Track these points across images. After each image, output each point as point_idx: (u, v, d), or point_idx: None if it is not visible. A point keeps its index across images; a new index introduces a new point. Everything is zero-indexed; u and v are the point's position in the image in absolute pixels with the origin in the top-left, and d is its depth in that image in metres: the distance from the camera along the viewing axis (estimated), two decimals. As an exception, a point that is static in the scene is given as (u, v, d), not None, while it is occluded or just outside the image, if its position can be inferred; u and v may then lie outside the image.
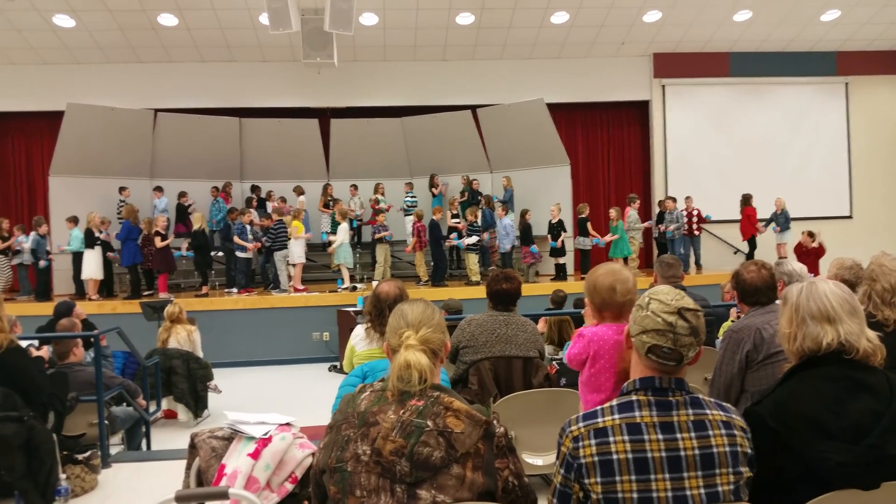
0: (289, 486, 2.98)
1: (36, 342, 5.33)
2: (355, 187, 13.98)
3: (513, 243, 12.52)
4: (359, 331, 3.56)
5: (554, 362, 5.54)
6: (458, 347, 4.06)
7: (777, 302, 3.23)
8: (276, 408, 3.52)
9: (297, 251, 11.72)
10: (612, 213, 12.93)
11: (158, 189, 13.19)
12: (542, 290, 10.74)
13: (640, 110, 15.54)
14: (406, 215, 13.34)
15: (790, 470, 1.87)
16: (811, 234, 12.55)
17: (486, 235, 12.43)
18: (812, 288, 2.04)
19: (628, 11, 13.16)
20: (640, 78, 15.07)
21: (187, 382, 7.30)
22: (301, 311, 11.08)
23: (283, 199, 13.28)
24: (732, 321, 4.81)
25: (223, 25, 12.74)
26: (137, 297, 11.20)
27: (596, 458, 1.75)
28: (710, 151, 15.10)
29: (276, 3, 10.14)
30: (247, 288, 11.88)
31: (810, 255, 12.30)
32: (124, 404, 5.89)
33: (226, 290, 12.16)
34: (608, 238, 12.81)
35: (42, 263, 11.54)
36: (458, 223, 12.72)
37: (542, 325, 6.60)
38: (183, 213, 13.00)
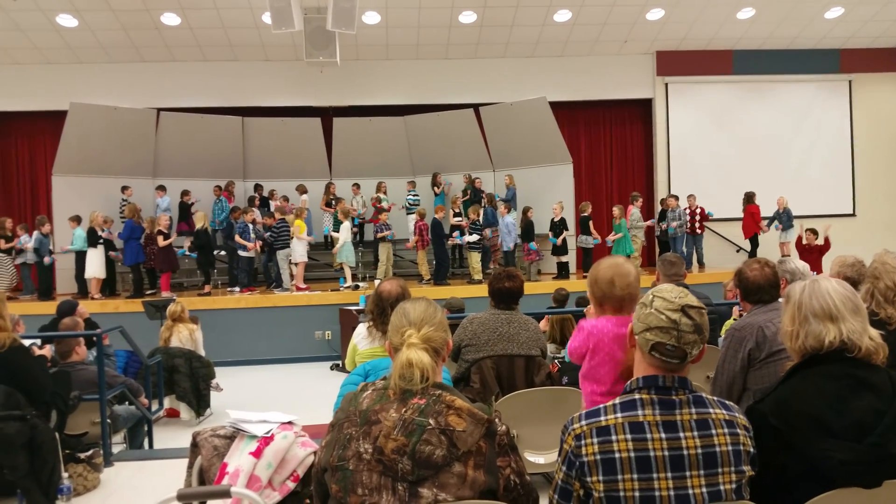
0: (291, 485, 2.99)
1: (38, 341, 5.34)
2: (358, 186, 13.98)
3: (515, 241, 12.51)
4: (361, 329, 3.56)
5: (556, 361, 5.53)
6: (461, 346, 4.06)
7: (780, 300, 3.22)
8: (278, 406, 3.52)
9: (299, 250, 11.73)
10: (615, 211, 12.92)
11: (161, 188, 13.21)
12: (545, 288, 10.73)
13: (642, 108, 15.52)
14: (408, 214, 13.34)
15: (792, 468, 1.86)
16: (814, 232, 12.53)
17: (487, 232, 12.42)
18: (815, 286, 2.04)
19: (631, 9, 13.14)
20: (642, 76, 15.04)
21: (189, 381, 7.31)
22: (303, 310, 11.09)
23: (286, 198, 13.28)
24: (735, 319, 4.80)
25: (226, 25, 12.74)
26: (140, 296, 11.22)
27: (598, 457, 1.75)
28: (713, 149, 15.07)
29: (279, 3, 10.14)
30: (249, 287, 11.90)
31: (813, 252, 12.28)
32: (126, 403, 5.90)
33: (228, 289, 12.18)
34: (612, 237, 12.80)
35: (47, 260, 11.56)
36: (461, 222, 12.72)
37: (544, 324, 6.59)
38: (186, 211, 13.02)
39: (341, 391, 2.97)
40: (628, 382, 1.89)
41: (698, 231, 13.44)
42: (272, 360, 10.82)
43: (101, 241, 11.47)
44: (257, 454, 2.93)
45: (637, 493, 1.71)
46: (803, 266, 3.75)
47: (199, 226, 11.88)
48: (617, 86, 14.97)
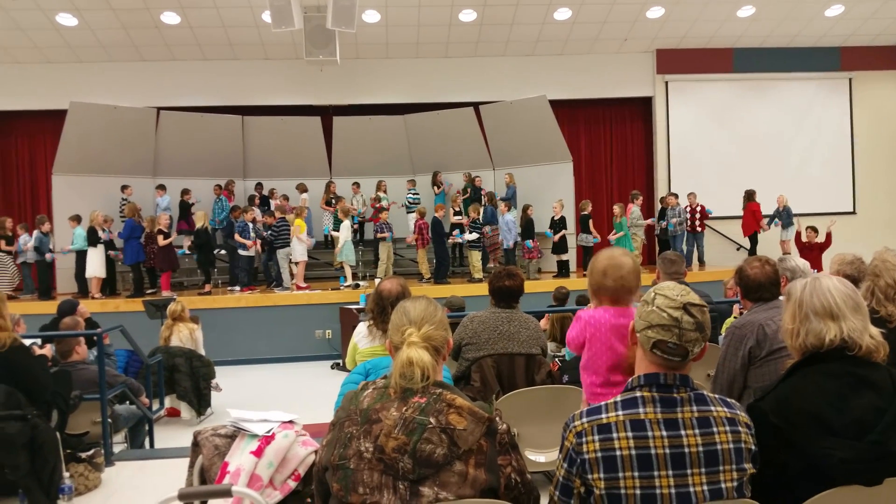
0: (292, 484, 2.99)
1: (39, 341, 5.34)
2: (358, 185, 13.98)
3: (515, 240, 12.51)
4: (361, 328, 3.56)
5: (556, 359, 5.54)
6: (461, 344, 4.07)
7: (780, 298, 3.22)
8: (278, 405, 3.52)
9: (299, 249, 11.73)
10: (616, 209, 12.92)
11: (161, 187, 13.21)
12: (545, 286, 10.74)
13: (643, 106, 15.51)
14: (409, 212, 13.34)
15: (793, 466, 1.86)
16: (815, 229, 12.53)
17: (487, 229, 12.42)
18: (816, 284, 2.04)
19: (631, 7, 13.13)
20: (643, 74, 15.04)
21: (190, 380, 7.31)
22: (303, 309, 11.09)
23: (286, 197, 13.29)
24: (735, 317, 4.80)
25: (226, 23, 12.74)
26: (140, 296, 11.22)
27: (599, 454, 1.75)
28: (713, 147, 15.07)
29: (279, 1, 10.13)
30: (249, 286, 11.90)
31: (813, 249, 12.29)
32: (127, 402, 5.90)
33: (228, 288, 12.18)
34: (612, 236, 12.80)
35: (48, 256, 11.56)
36: (461, 220, 12.72)
37: (544, 323, 6.60)
38: (186, 210, 13.01)
39: (342, 390, 2.96)
40: (630, 380, 1.89)
41: (699, 229, 13.44)
42: (273, 359, 10.83)
43: (102, 240, 11.46)
44: (258, 453, 2.93)
45: (638, 491, 1.71)
46: (803, 264, 3.75)
47: (199, 225, 11.89)
48: (617, 84, 14.96)
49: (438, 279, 11.97)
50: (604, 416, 1.80)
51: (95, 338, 5.47)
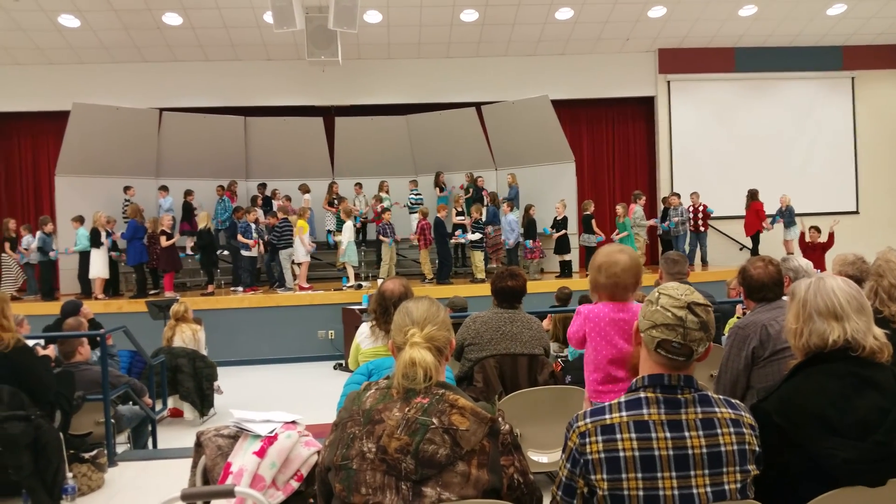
0: (294, 484, 2.98)
1: (42, 341, 5.35)
2: (360, 185, 13.99)
3: (517, 240, 12.51)
4: (364, 329, 3.56)
5: (559, 360, 5.53)
6: (464, 345, 4.07)
7: (784, 298, 3.22)
8: (281, 406, 3.52)
9: (301, 250, 11.73)
10: (619, 209, 12.90)
11: (163, 188, 13.23)
12: (548, 287, 10.73)
13: (645, 106, 15.50)
14: (411, 213, 13.34)
15: (796, 466, 1.86)
16: (818, 229, 12.52)
17: (489, 229, 12.42)
18: (820, 284, 2.03)
19: (633, 7, 13.12)
20: (645, 74, 15.02)
21: (193, 381, 7.31)
22: (306, 310, 11.10)
23: (288, 198, 13.30)
24: (738, 318, 4.80)
25: (227, 24, 12.75)
26: (143, 297, 11.23)
27: (602, 455, 1.75)
28: (716, 147, 15.05)
29: (281, 2, 10.14)
30: (252, 286, 11.91)
31: (816, 249, 12.28)
32: (130, 403, 5.90)
33: (231, 289, 12.19)
34: (615, 237, 12.79)
35: (52, 255, 11.57)
36: (463, 220, 12.73)
37: (547, 323, 6.59)
38: (189, 211, 13.02)
39: (344, 390, 2.96)
40: (634, 381, 1.89)
41: (702, 229, 13.43)
42: (275, 359, 10.83)
43: (103, 242, 11.46)
44: (261, 454, 2.93)
45: (641, 492, 1.71)
46: (806, 264, 3.75)
47: (202, 226, 11.89)
48: (619, 84, 14.95)
49: (441, 280, 11.97)
50: (607, 416, 1.80)
51: (98, 338, 5.47)
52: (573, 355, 5.40)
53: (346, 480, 1.80)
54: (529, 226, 12.64)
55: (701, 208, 13.34)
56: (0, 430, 3.54)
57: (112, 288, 11.86)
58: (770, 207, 13.44)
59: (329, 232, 13.69)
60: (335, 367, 10.32)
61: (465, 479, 1.76)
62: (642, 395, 1.82)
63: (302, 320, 11.01)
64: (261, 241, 12.17)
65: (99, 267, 11.42)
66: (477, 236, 12.18)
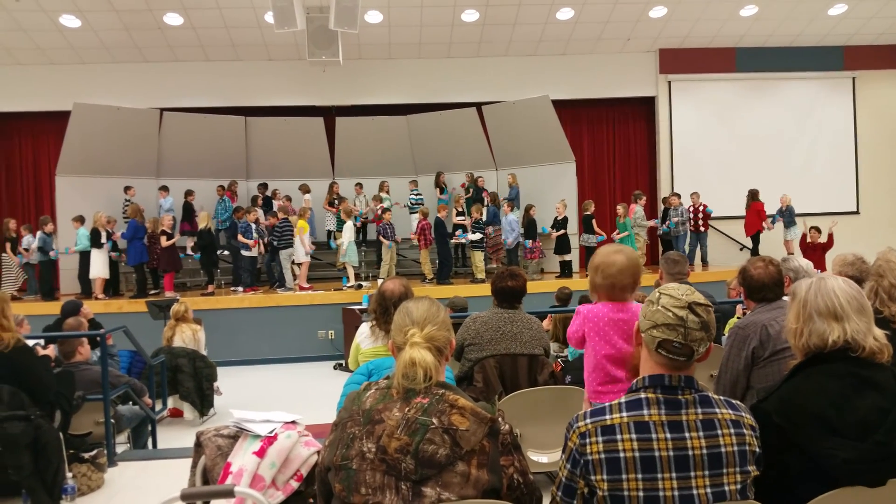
0: (294, 484, 2.98)
1: (42, 341, 5.35)
2: (361, 185, 14.00)
3: (517, 240, 12.51)
4: (364, 329, 3.56)
5: (559, 360, 5.53)
6: (464, 345, 4.06)
7: (784, 298, 3.22)
8: (281, 406, 3.52)
9: (302, 250, 11.73)
10: (619, 209, 12.90)
11: (164, 189, 13.23)
12: (548, 287, 10.73)
13: (645, 106, 15.50)
14: (411, 213, 13.34)
15: (795, 467, 1.86)
16: (818, 230, 12.52)
17: (490, 230, 12.42)
18: (821, 284, 2.03)
19: (634, 7, 13.12)
20: (645, 74, 15.02)
21: (193, 381, 7.31)
22: (306, 310, 11.10)
23: (289, 198, 13.30)
24: (738, 318, 4.80)
25: (228, 24, 12.75)
26: (143, 297, 11.23)
27: (603, 456, 1.75)
28: (716, 147, 15.05)
29: (282, 2, 10.14)
30: (252, 286, 11.91)
31: (816, 250, 12.28)
32: (130, 403, 5.91)
33: (231, 289, 12.19)
34: (616, 237, 12.78)
35: (52, 254, 11.58)
36: (464, 220, 12.73)
37: (547, 323, 6.59)
38: (189, 212, 13.02)
39: (344, 390, 2.96)
40: (634, 381, 1.89)
41: (702, 229, 13.42)
42: (275, 359, 10.83)
43: (103, 242, 11.46)
44: (261, 454, 2.93)
45: (641, 493, 1.71)
46: (807, 264, 3.75)
47: (202, 226, 11.89)
48: (620, 84, 14.95)
49: (441, 280, 11.97)
50: (608, 417, 1.80)
51: (98, 338, 5.47)
52: (573, 355, 5.40)
53: (345, 480, 1.80)
54: (529, 226, 12.64)
55: (701, 208, 13.34)
56: (0, 429, 3.54)
57: (112, 288, 11.86)
58: (770, 207, 13.44)
59: (329, 233, 13.70)
60: (335, 367, 10.32)
61: (465, 479, 1.76)
62: (643, 395, 1.82)
63: (302, 320, 11.01)
64: (261, 241, 12.16)
65: (99, 267, 11.42)
66: (477, 236, 12.18)
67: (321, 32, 10.93)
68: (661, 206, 14.05)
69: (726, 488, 1.73)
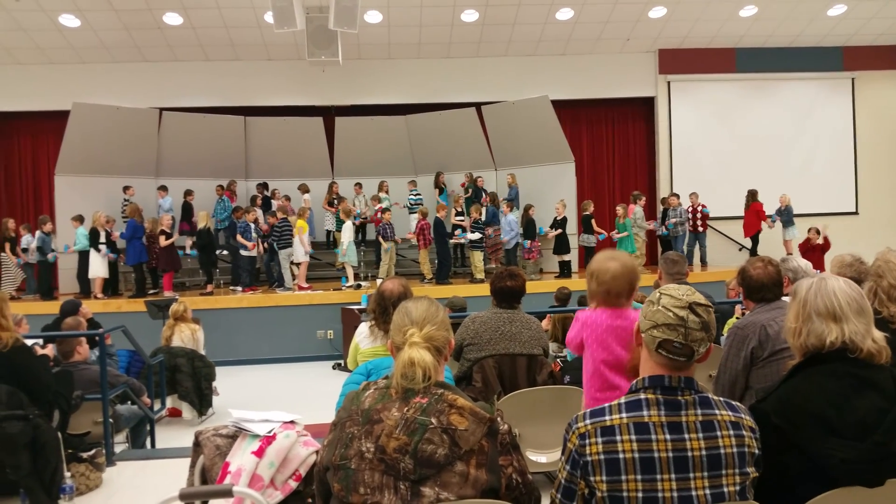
0: (293, 484, 2.98)
1: (40, 341, 5.34)
2: (360, 185, 14.00)
3: (517, 240, 12.51)
4: (363, 328, 3.56)
5: (558, 360, 5.53)
6: (463, 345, 4.06)
7: (783, 298, 3.22)
8: (280, 406, 3.52)
9: (301, 250, 11.73)
10: (619, 210, 12.91)
11: (163, 188, 13.22)
12: (547, 287, 10.73)
13: (645, 106, 15.50)
14: (411, 213, 13.34)
15: (794, 467, 1.86)
16: (817, 231, 12.53)
17: (489, 231, 12.42)
18: (822, 284, 2.03)
19: (633, 7, 13.12)
20: (645, 74, 15.03)
21: (192, 381, 7.31)
22: (305, 310, 11.10)
23: (288, 198, 13.29)
24: (737, 318, 4.80)
25: (228, 24, 12.75)
26: (142, 296, 11.22)
27: (602, 457, 1.75)
28: (716, 147, 15.06)
29: (281, 2, 10.14)
30: (251, 286, 11.90)
31: (815, 251, 12.29)
32: (129, 402, 5.90)
33: (230, 288, 12.19)
34: (616, 236, 12.79)
35: (50, 256, 11.57)
36: (463, 221, 12.73)
37: (546, 323, 6.59)
38: (188, 211, 13.02)
39: (343, 390, 2.96)
40: (634, 382, 1.88)
41: (700, 229, 13.43)
42: (274, 359, 10.83)
43: (102, 242, 11.45)
44: (259, 453, 2.93)
45: (640, 494, 1.70)
46: (806, 264, 3.75)
47: (201, 225, 11.89)
48: (619, 84, 14.95)
49: (440, 280, 11.97)
50: (607, 418, 1.80)
51: (97, 338, 5.47)
52: (572, 356, 5.40)
53: (344, 480, 1.80)
54: (528, 226, 12.64)
55: (700, 208, 13.35)
56: (-1, 429, 3.54)
57: (111, 287, 11.85)
58: (769, 208, 13.45)
59: (328, 232, 13.71)
60: (334, 367, 10.31)
61: (464, 478, 1.76)
62: (642, 396, 1.82)
63: (301, 320, 11.01)
64: (260, 242, 12.16)
65: (98, 266, 11.41)
66: (476, 236, 12.18)
67: (321, 32, 10.92)
68: (661, 207, 14.05)
69: (725, 489, 1.72)
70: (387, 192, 13.65)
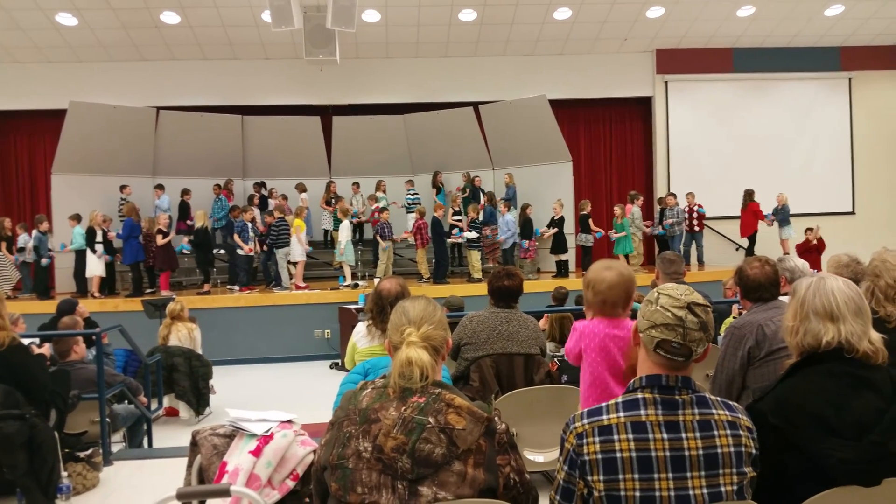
0: (290, 484, 2.98)
1: (37, 340, 5.33)
2: (358, 185, 13.99)
3: (514, 240, 12.52)
4: (360, 328, 3.56)
5: (555, 359, 5.53)
6: (460, 344, 4.06)
7: (780, 298, 3.22)
8: (277, 405, 3.52)
9: (298, 249, 11.72)
10: (617, 210, 12.92)
11: (159, 187, 13.19)
12: (544, 286, 10.73)
13: (642, 106, 15.51)
14: (408, 212, 13.34)
15: (792, 467, 1.86)
16: (810, 231, 12.58)
17: (487, 231, 12.43)
18: (820, 284, 2.03)
19: (631, 7, 13.13)
20: (642, 74, 15.04)
21: (189, 380, 7.30)
22: (303, 309, 11.09)
23: (285, 197, 13.28)
24: (734, 318, 4.80)
25: (225, 23, 12.73)
26: (139, 295, 11.21)
27: (599, 456, 1.75)
28: (713, 147, 15.07)
29: (279, 1, 10.13)
30: (248, 285, 11.89)
31: (812, 251, 12.31)
32: (126, 402, 5.90)
33: (228, 287, 12.18)
34: (615, 236, 12.80)
35: (44, 261, 11.55)
36: (460, 220, 12.73)
37: (543, 322, 6.59)
38: (185, 210, 13.00)
39: (341, 390, 2.96)
40: (631, 381, 1.88)
41: (696, 229, 13.44)
42: (272, 358, 10.82)
43: (98, 241, 11.42)
44: (257, 453, 2.93)
45: (638, 493, 1.71)
46: (803, 264, 3.75)
47: (198, 224, 11.87)
48: (617, 84, 14.96)
49: (438, 279, 11.97)
50: (605, 417, 1.80)
51: (94, 337, 5.46)
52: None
53: (342, 479, 1.80)
54: (525, 225, 12.65)
55: (696, 208, 13.36)
56: (-5, 428, 3.54)
57: (108, 287, 11.83)
58: (766, 208, 13.45)
59: (326, 232, 13.71)
60: (331, 367, 10.31)
61: (462, 478, 1.76)
62: (640, 395, 1.82)
63: (298, 319, 11.00)
64: (257, 242, 12.15)
65: (95, 265, 11.40)
66: (474, 235, 12.18)
67: (318, 31, 10.91)
68: (658, 206, 14.06)
69: (723, 489, 1.72)
70: (384, 191, 13.64)
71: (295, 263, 11.88)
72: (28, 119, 14.11)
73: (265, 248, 12.10)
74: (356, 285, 11.72)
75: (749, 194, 13.39)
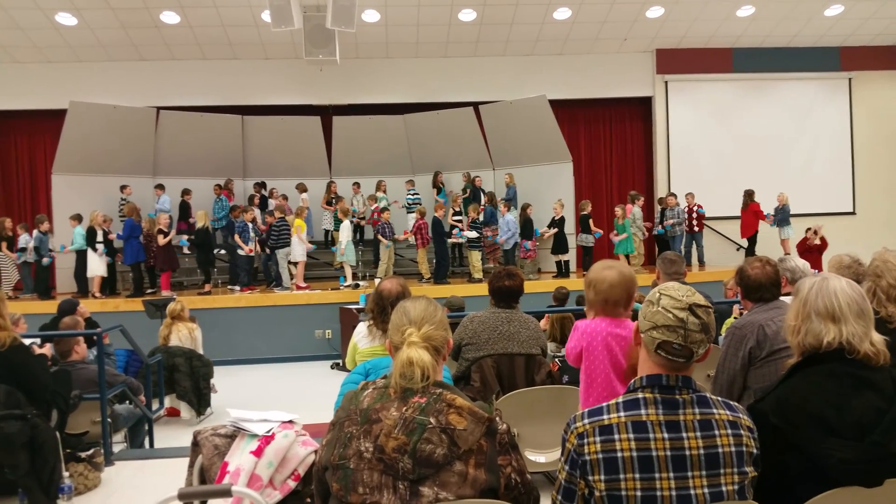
0: (291, 484, 2.99)
1: (38, 340, 5.34)
2: (358, 185, 13.99)
3: (515, 240, 12.51)
4: (361, 328, 3.56)
5: (556, 359, 5.53)
6: (461, 344, 4.06)
7: (781, 298, 3.22)
8: (278, 405, 3.52)
9: (298, 249, 11.73)
10: (618, 210, 12.91)
11: (160, 187, 13.19)
12: (545, 287, 10.73)
13: (642, 106, 15.51)
14: (409, 212, 13.34)
15: (792, 467, 1.86)
16: (815, 231, 12.55)
17: (487, 231, 12.43)
18: (823, 284, 2.03)
19: (631, 7, 13.13)
20: (642, 74, 15.04)
21: (190, 380, 7.30)
22: (303, 309, 11.09)
23: (285, 197, 13.28)
24: (735, 318, 4.80)
25: (225, 23, 12.73)
26: (140, 295, 11.21)
27: (600, 456, 1.75)
28: (713, 147, 15.07)
29: (279, 1, 10.13)
30: (249, 286, 11.89)
31: (813, 251, 12.30)
32: (127, 402, 5.90)
33: (228, 287, 12.18)
34: (616, 238, 12.79)
35: (45, 261, 11.56)
36: (460, 221, 12.73)
37: (544, 323, 6.59)
38: (186, 210, 13.00)
39: (342, 390, 2.96)
40: (632, 381, 1.89)
41: (696, 229, 13.43)
42: (273, 359, 10.82)
43: (99, 241, 11.42)
44: (258, 453, 2.93)
45: (639, 493, 1.71)
46: (803, 264, 3.75)
47: (199, 224, 11.88)
48: (617, 84, 14.96)
49: (438, 279, 11.97)
50: (605, 417, 1.80)
51: (95, 337, 5.46)
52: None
53: (343, 480, 1.80)
54: (526, 225, 12.65)
55: (696, 208, 13.36)
56: (-4, 429, 3.54)
57: (109, 287, 11.83)
58: (766, 208, 13.44)
59: (326, 232, 13.71)
60: (332, 367, 10.31)
61: (463, 478, 1.76)
62: (640, 395, 1.82)
63: (299, 319, 11.00)
64: (257, 242, 12.15)
65: (96, 265, 11.40)
66: (474, 234, 12.18)
67: (318, 31, 10.91)
68: (658, 207, 14.06)
69: (724, 489, 1.73)
70: (384, 191, 13.64)
71: (296, 263, 11.88)
72: (28, 119, 14.11)
73: (267, 250, 12.09)
74: (357, 285, 11.72)
75: (749, 194, 13.38)
